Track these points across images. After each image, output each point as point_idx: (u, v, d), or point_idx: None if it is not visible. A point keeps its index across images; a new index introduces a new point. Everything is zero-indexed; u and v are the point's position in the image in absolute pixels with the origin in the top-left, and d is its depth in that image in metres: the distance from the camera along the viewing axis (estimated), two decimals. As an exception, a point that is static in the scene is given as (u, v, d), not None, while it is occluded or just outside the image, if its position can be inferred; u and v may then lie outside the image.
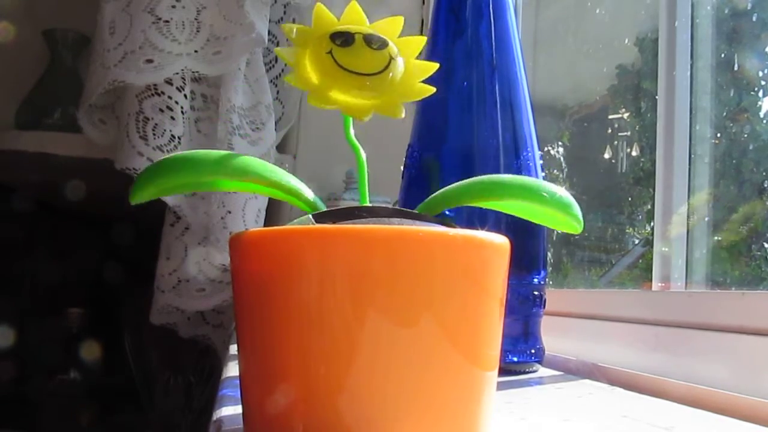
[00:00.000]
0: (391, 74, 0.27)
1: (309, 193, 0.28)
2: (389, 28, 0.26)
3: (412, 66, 0.28)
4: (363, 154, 0.28)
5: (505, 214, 0.47)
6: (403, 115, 0.28)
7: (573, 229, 0.29)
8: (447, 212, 0.46)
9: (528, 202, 0.28)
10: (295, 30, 0.27)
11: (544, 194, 0.28)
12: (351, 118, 0.28)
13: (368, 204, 0.28)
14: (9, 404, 1.24)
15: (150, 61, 0.78)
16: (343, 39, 0.26)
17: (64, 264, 1.40)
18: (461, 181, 0.29)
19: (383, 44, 0.26)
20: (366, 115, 0.28)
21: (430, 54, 0.50)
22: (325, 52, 0.27)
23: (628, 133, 0.95)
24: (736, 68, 0.70)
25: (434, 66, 0.28)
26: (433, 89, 0.28)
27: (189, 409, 1.10)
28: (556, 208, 0.28)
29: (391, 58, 0.27)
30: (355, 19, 0.26)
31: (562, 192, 0.28)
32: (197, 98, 0.85)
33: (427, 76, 0.28)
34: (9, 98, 1.01)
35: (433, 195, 0.29)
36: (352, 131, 0.28)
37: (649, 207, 0.78)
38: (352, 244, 0.23)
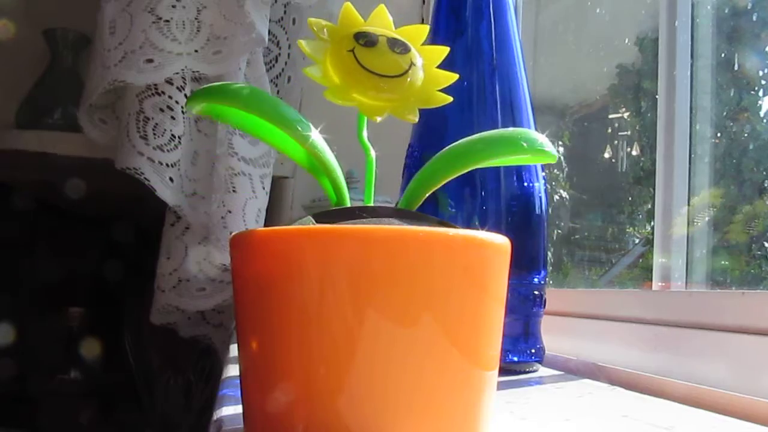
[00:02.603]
0: (409, 79, 0.27)
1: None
2: (414, 34, 0.27)
3: (432, 73, 0.28)
4: (373, 154, 0.29)
5: (505, 214, 0.47)
6: (416, 120, 0.28)
7: (551, 159, 0.29)
8: (450, 207, 0.46)
9: (507, 156, 0.29)
10: (324, 27, 0.27)
11: (523, 144, 0.28)
12: (365, 119, 0.28)
13: (372, 204, 0.28)
14: (9, 403, 1.24)
15: (150, 60, 0.78)
16: (367, 39, 0.26)
17: (65, 263, 1.40)
18: (431, 160, 0.29)
19: (406, 49, 0.27)
20: (380, 115, 0.28)
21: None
22: (347, 51, 0.27)
23: (629, 133, 0.95)
24: (736, 68, 0.70)
25: (454, 76, 0.28)
26: (450, 98, 0.28)
27: (189, 408, 1.10)
28: (535, 153, 0.29)
29: (412, 64, 0.27)
30: (382, 23, 0.26)
31: (537, 136, 0.29)
32: (197, 98, 0.85)
33: (446, 85, 0.28)
34: (9, 97, 1.01)
35: (412, 180, 0.29)
36: (365, 132, 0.28)
37: (650, 206, 0.78)
38: (353, 244, 0.23)
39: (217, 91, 0.28)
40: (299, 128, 0.27)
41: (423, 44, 0.27)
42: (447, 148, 0.29)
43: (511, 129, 0.29)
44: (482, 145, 0.29)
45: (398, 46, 0.27)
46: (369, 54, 0.27)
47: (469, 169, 0.29)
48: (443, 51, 0.28)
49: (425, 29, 0.27)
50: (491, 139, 0.29)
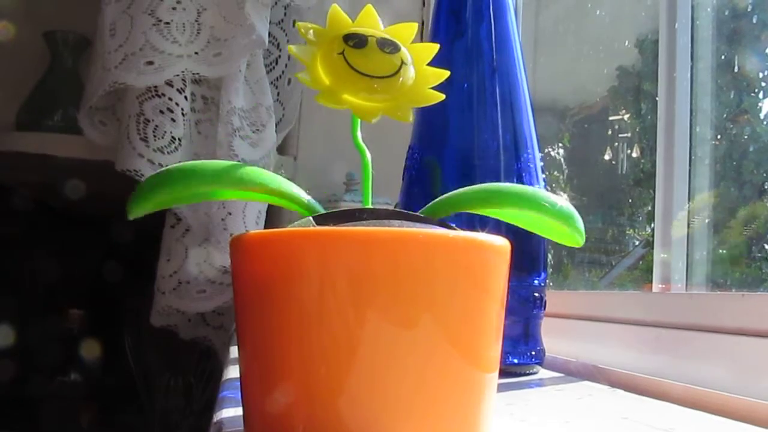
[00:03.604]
0: (401, 79, 0.27)
1: (305, 196, 0.28)
2: (403, 33, 0.27)
3: (423, 72, 0.28)
4: (369, 156, 0.29)
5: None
6: (411, 119, 0.28)
7: (574, 242, 0.29)
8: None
9: (529, 211, 0.28)
10: (311, 30, 0.27)
11: (546, 204, 0.28)
12: (359, 120, 0.28)
13: (371, 205, 0.28)
14: (9, 405, 1.24)
15: (150, 62, 0.78)
16: (357, 40, 0.26)
17: (65, 265, 1.40)
18: (462, 189, 0.29)
19: (395, 48, 0.27)
20: (374, 117, 0.28)
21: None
22: (337, 53, 0.27)
23: (629, 135, 0.95)
24: (736, 70, 0.70)
25: (445, 73, 0.28)
26: (443, 96, 0.28)
27: (189, 410, 1.10)
28: (558, 219, 0.28)
29: (403, 63, 0.27)
30: (370, 23, 0.26)
31: (563, 203, 0.28)
32: (198, 100, 0.86)
33: (437, 82, 0.28)
34: (10, 99, 1.01)
35: (433, 201, 0.29)
36: (359, 133, 0.28)
37: (650, 208, 0.78)
38: (353, 246, 0.23)
39: (156, 190, 0.27)
40: (247, 186, 0.27)
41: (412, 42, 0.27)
42: (491, 185, 0.29)
43: (558, 199, 0.29)
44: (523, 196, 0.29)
45: (388, 46, 0.27)
46: (359, 55, 0.27)
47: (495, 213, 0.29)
48: (433, 48, 0.27)
49: (414, 27, 0.26)
50: (529, 194, 0.29)
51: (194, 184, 0.27)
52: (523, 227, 0.30)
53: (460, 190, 0.29)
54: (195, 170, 0.27)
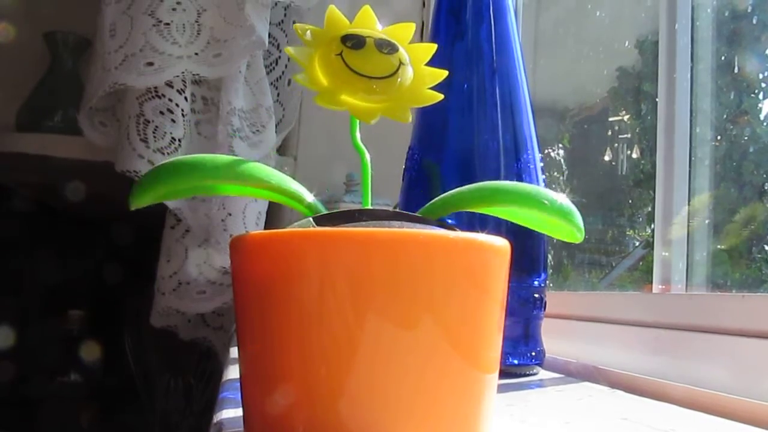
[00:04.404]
0: (399, 79, 0.27)
1: (309, 197, 0.28)
2: (400, 33, 0.27)
3: (421, 72, 0.28)
4: (368, 157, 0.29)
5: (506, 217, 0.47)
6: (409, 120, 0.28)
7: (574, 238, 0.29)
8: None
9: (528, 209, 0.28)
10: (308, 31, 0.27)
11: (545, 201, 0.28)
12: (357, 121, 0.28)
13: (370, 206, 0.28)
14: (9, 405, 1.24)
15: (150, 63, 0.78)
16: (355, 41, 0.26)
17: (65, 266, 1.40)
18: (461, 187, 0.29)
19: (393, 49, 0.27)
20: (373, 117, 0.28)
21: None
22: (335, 54, 0.27)
23: (629, 136, 0.95)
24: (736, 70, 0.70)
25: (444, 73, 0.28)
26: (441, 96, 0.28)
27: (189, 411, 1.10)
28: (557, 216, 0.28)
29: (401, 64, 0.27)
30: (367, 23, 0.26)
31: (563, 200, 0.28)
32: (198, 101, 0.86)
33: (436, 82, 0.28)
34: (10, 100, 1.01)
35: (432, 201, 0.29)
36: (358, 134, 0.28)
37: (650, 209, 0.78)
38: (353, 247, 0.23)
39: (161, 184, 0.26)
40: (251, 182, 0.27)
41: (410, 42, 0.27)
42: (490, 183, 0.29)
43: (557, 195, 0.29)
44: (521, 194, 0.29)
45: (386, 47, 0.27)
46: (357, 56, 0.27)
47: (494, 211, 0.29)
48: (431, 48, 0.27)
49: (412, 27, 0.26)
50: (528, 192, 0.29)
51: (195, 177, 0.26)
52: (521, 224, 0.30)
53: (459, 189, 0.29)
54: (196, 164, 0.27)
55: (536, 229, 0.30)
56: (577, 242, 0.29)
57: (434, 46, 0.27)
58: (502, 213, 0.30)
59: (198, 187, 0.28)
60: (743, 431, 0.32)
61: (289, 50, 0.27)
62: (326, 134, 1.00)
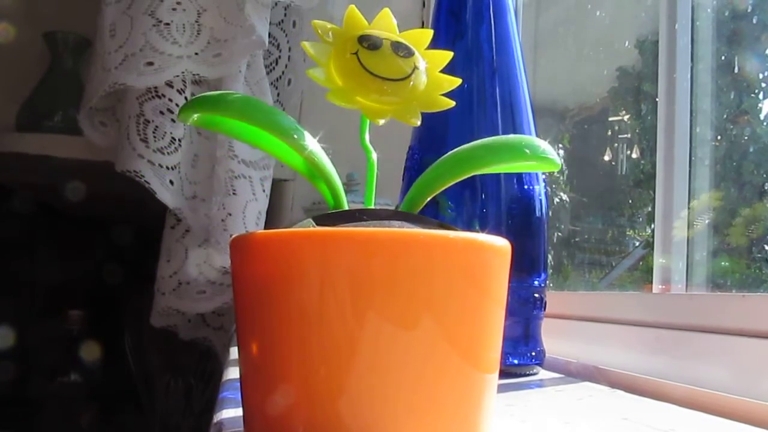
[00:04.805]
0: (412, 83, 0.27)
1: (338, 180, 0.28)
2: (418, 38, 0.27)
3: (435, 78, 0.28)
4: (374, 157, 0.29)
5: (506, 216, 0.47)
6: (419, 123, 0.28)
7: (554, 167, 0.30)
8: (450, 210, 0.46)
9: (509, 163, 0.29)
10: (330, 30, 0.27)
11: (526, 150, 0.28)
12: (368, 122, 0.28)
13: (373, 206, 0.28)
14: (9, 405, 1.24)
15: (150, 63, 0.78)
16: (371, 42, 0.26)
17: (65, 266, 1.40)
18: (433, 164, 0.29)
19: (409, 53, 0.27)
20: (382, 118, 0.28)
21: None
22: (350, 53, 0.27)
23: (629, 136, 0.95)
24: (736, 70, 0.70)
25: (457, 81, 0.28)
26: (453, 103, 0.28)
27: (189, 411, 1.10)
28: (538, 160, 0.29)
29: (415, 67, 0.27)
30: (386, 26, 0.26)
31: (540, 143, 0.29)
32: (198, 100, 0.85)
33: (449, 89, 0.28)
34: (10, 100, 1.01)
35: (413, 185, 0.29)
36: (367, 135, 0.29)
37: (650, 209, 0.78)
38: (353, 247, 0.23)
39: (210, 101, 0.27)
40: (295, 137, 0.27)
41: (426, 48, 0.27)
42: (449, 153, 0.29)
43: (513, 135, 0.29)
44: (484, 152, 0.29)
45: (402, 50, 0.27)
46: (373, 57, 0.27)
47: (470, 175, 0.29)
48: (447, 55, 0.28)
49: (429, 33, 0.27)
50: (493, 146, 0.29)
51: (222, 108, 0.27)
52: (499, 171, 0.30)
53: (433, 165, 0.29)
54: (252, 103, 0.27)
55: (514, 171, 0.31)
56: (557, 170, 0.30)
57: (450, 54, 0.28)
58: (482, 171, 0.30)
59: (223, 123, 0.28)
60: (743, 431, 0.32)
61: (306, 46, 0.27)
62: (326, 134, 0.99)
